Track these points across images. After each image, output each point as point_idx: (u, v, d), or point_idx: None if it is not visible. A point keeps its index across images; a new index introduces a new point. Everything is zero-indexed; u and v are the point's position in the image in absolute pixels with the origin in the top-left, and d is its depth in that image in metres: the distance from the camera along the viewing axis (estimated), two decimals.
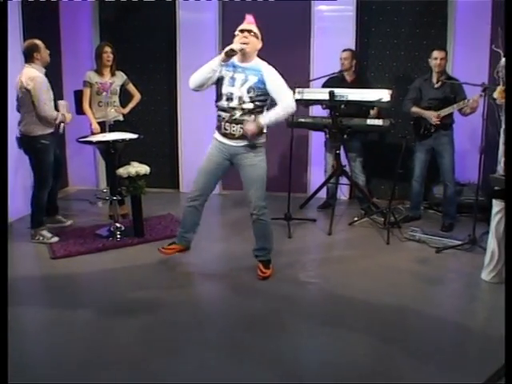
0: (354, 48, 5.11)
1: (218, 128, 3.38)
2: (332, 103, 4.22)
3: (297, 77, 5.37)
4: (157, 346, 2.66)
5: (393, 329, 2.87)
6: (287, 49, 5.49)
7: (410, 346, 2.67)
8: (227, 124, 3.30)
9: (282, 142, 5.31)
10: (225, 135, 3.33)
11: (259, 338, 2.73)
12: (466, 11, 5.04)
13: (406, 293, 3.32)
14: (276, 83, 3.26)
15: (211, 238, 4.28)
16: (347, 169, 4.86)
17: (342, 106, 4.24)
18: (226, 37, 5.55)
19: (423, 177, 4.69)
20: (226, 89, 3.26)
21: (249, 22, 3.27)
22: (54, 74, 5.65)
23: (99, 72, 4.65)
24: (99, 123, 4.59)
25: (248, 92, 3.22)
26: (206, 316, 3.07)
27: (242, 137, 3.27)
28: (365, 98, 4.16)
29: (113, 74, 4.70)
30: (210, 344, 2.70)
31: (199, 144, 5.68)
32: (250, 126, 3.20)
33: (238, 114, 3.25)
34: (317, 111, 5.04)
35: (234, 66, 3.26)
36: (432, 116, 4.34)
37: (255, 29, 3.27)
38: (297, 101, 4.20)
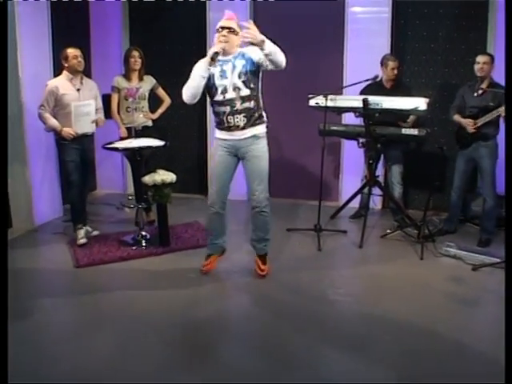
0: (388, 52, 4.92)
1: (219, 124, 3.35)
2: (366, 111, 4.05)
3: (329, 81, 5.29)
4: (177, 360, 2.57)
5: (423, 356, 2.69)
6: (319, 51, 5.34)
7: (442, 377, 2.50)
8: (229, 117, 3.27)
9: (313, 150, 5.18)
10: (229, 128, 3.30)
11: (284, 365, 2.61)
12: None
13: (439, 316, 3.13)
14: (257, 51, 3.15)
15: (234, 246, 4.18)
16: (382, 178, 4.69)
17: (377, 115, 4.06)
18: None
19: (462, 188, 4.46)
20: (218, 83, 3.25)
21: (228, 18, 3.24)
22: None
23: (127, 77, 4.61)
24: (127, 129, 4.57)
25: (239, 77, 3.21)
26: (227, 337, 2.96)
27: (249, 126, 3.26)
28: (400, 106, 3.97)
29: (141, 79, 4.65)
30: (230, 366, 2.59)
31: None
32: (253, 29, 3.00)
33: (238, 103, 3.23)
34: (349, 119, 4.87)
35: (221, 61, 3.24)
36: (468, 124, 4.12)
37: (234, 25, 3.22)
38: (329, 108, 4.10)
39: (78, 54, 4.11)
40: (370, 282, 3.63)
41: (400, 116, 4.37)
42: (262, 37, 3.01)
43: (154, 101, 4.85)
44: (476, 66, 4.15)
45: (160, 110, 4.81)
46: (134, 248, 4.11)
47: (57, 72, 4.46)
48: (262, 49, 3.03)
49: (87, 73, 5.70)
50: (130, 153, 3.99)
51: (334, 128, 4.36)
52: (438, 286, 3.55)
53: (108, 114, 4.72)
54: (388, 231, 4.56)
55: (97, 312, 3.17)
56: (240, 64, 3.23)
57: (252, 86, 3.25)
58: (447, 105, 4.68)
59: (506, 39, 2.56)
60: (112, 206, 5.38)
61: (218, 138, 3.42)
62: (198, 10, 5.49)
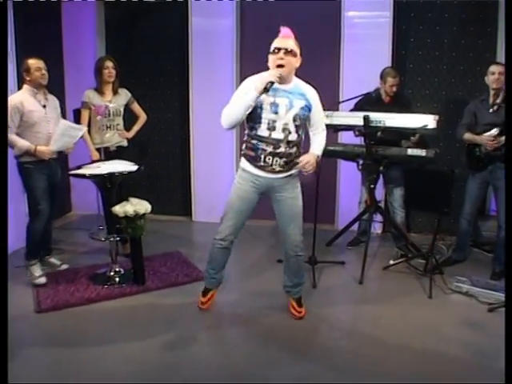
0: (389, 60, 4.48)
1: (254, 159, 2.91)
2: (367, 130, 3.58)
3: (324, 92, 4.77)
4: None
5: None
6: (312, 59, 4.82)
7: None
8: (269, 157, 2.87)
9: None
10: (262, 168, 2.91)
11: None
12: None
13: (453, 373, 2.66)
14: (320, 111, 3.00)
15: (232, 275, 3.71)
16: (382, 200, 4.24)
17: (379, 134, 3.61)
18: (245, 46, 4.98)
19: (473, 215, 4.01)
20: (266, 116, 2.81)
21: (285, 37, 2.78)
22: (55, 90, 5.19)
23: (99, 91, 4.11)
24: (99, 150, 4.08)
25: (294, 120, 2.83)
26: None
27: (285, 171, 2.92)
28: (406, 124, 3.51)
29: (115, 93, 4.16)
30: None
31: (214, 167, 5.16)
32: (310, 159, 2.87)
33: (283, 146, 2.85)
34: (347, 137, 4.39)
35: (274, 89, 2.77)
36: (488, 141, 3.66)
37: (293, 45, 2.78)
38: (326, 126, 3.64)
39: (41, 65, 3.60)
40: (372, 327, 3.15)
41: (403, 134, 3.92)
42: (317, 158, 2.96)
43: (129, 117, 4.37)
44: (491, 77, 3.70)
45: (136, 128, 4.34)
46: (105, 286, 3.62)
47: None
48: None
49: (60, 86, 5.24)
50: (99, 179, 3.50)
51: (331, 148, 3.87)
52: (450, 334, 3.08)
53: None
54: (391, 262, 4.10)
55: (56, 371, 2.68)
56: (299, 105, 2.83)
57: (301, 132, 2.91)
58: (453, 119, 4.24)
59: (506, 39, 2.43)
60: (86, 231, 4.89)
61: (246, 170, 2.97)
62: (179, 15, 5.01)
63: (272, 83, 2.68)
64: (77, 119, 4.32)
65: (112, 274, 3.72)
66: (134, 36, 5.23)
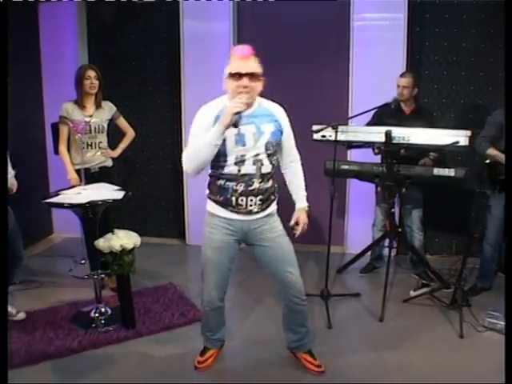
0: (403, 66, 4.05)
1: (224, 203, 2.43)
2: (388, 147, 3.13)
3: (331, 103, 4.38)
4: None
5: None
6: (318, 66, 4.42)
7: None
8: (241, 198, 2.39)
9: (312, 185, 4.27)
10: (236, 211, 2.42)
11: None
12: None
13: None
14: (291, 135, 2.53)
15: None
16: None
17: (402, 151, 3.17)
18: None
19: (499, 240, 3.59)
20: (232, 149, 2.32)
21: (245, 57, 2.25)
22: (32, 101, 4.71)
23: (80, 104, 3.63)
24: (80, 171, 3.59)
25: (266, 149, 2.37)
26: None
27: (262, 210, 2.44)
28: (433, 140, 3.06)
29: (98, 106, 3.68)
30: None
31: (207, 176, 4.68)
32: (304, 218, 2.57)
33: (256, 182, 2.37)
34: (357, 155, 3.94)
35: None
36: None
37: (256, 67, 2.27)
38: (339, 142, 3.20)
39: None
40: (402, 379, 2.70)
41: (424, 150, 3.49)
42: (307, 207, 2.61)
43: (115, 132, 3.89)
44: None
45: (122, 145, 3.86)
46: (88, 332, 3.12)
47: None
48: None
49: (37, 96, 4.75)
50: (79, 209, 3.01)
51: (345, 167, 3.41)
52: (488, 381, 2.65)
53: (56, 150, 3.77)
54: (412, 293, 3.66)
55: None
56: (268, 130, 2.36)
57: (274, 161, 2.45)
58: (473, 130, 3.83)
59: (506, 39, 2.33)
60: (69, 258, 4.39)
61: (214, 214, 2.48)
62: (169, 18, 4.54)
63: (238, 112, 2.21)
64: (55, 135, 3.84)
65: (97, 315, 3.23)
66: (120, 41, 4.74)
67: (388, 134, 3.09)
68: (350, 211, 4.49)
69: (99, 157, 3.68)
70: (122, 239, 2.96)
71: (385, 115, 3.62)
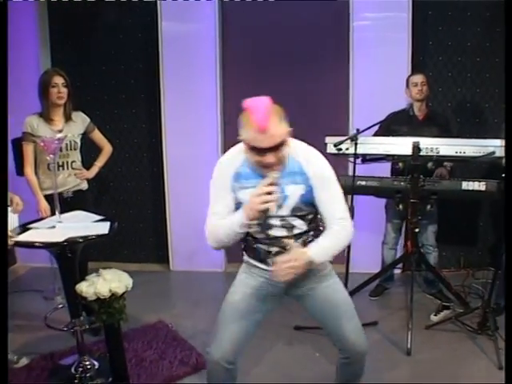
0: (408, 68, 3.73)
1: (258, 260, 2.00)
2: (416, 161, 2.76)
3: (331, 112, 4.01)
4: None
5: None
6: (313, 71, 4.03)
7: None
8: (278, 256, 1.86)
9: None
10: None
11: None
12: None
13: None
14: (328, 187, 1.89)
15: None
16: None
17: (429, 165, 2.81)
18: (228, 55, 4.07)
19: None
20: None
21: (262, 130, 1.68)
22: None
23: (46, 117, 3.07)
24: (50, 197, 2.97)
25: (293, 212, 1.88)
26: None
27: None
28: (468, 151, 2.72)
29: (68, 119, 3.13)
30: None
31: (195, 203, 4.18)
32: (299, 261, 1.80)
33: (291, 240, 1.90)
34: (369, 169, 3.57)
35: (257, 178, 1.83)
36: None
37: (278, 135, 1.72)
38: (356, 156, 2.81)
39: None
40: None
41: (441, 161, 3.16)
42: (308, 257, 1.81)
43: (87, 148, 3.36)
44: None
45: (99, 164, 3.31)
46: None
47: None
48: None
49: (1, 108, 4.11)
50: (55, 248, 2.48)
51: (363, 183, 3.01)
52: None
53: (21, 170, 3.19)
54: (433, 318, 3.33)
55: None
56: (296, 193, 1.86)
57: (310, 214, 1.93)
58: (480, 135, 3.55)
59: (506, 40, 2.27)
60: (38, 293, 3.81)
61: (252, 264, 2.04)
62: (146, 19, 4.03)
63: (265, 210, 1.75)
64: (17, 153, 3.27)
65: (80, 370, 2.69)
66: (87, 43, 4.18)
67: (416, 146, 2.71)
68: (354, 227, 4.10)
69: (73, 179, 3.13)
70: (111, 282, 2.44)
71: (396, 123, 3.27)
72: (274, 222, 1.89)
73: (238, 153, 1.90)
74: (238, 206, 1.90)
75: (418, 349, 3.00)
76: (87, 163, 3.30)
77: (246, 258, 2.07)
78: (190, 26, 3.94)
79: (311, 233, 1.96)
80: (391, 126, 3.26)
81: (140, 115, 4.26)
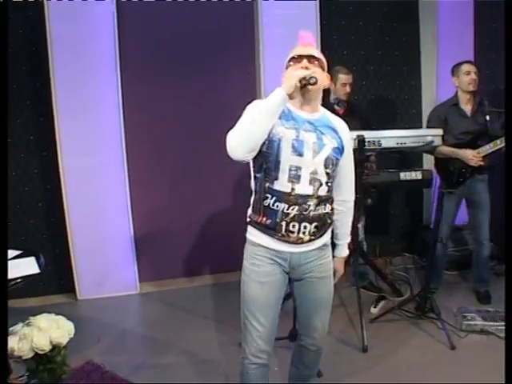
0: None
1: (271, 229, 1.90)
2: (361, 155, 2.70)
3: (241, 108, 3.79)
4: None
5: None
6: (219, 73, 3.82)
7: None
8: (293, 224, 1.87)
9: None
10: (284, 240, 1.90)
11: None
12: (447, 13, 3.97)
13: None
14: (351, 159, 2.05)
15: None
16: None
17: (372, 157, 2.80)
18: (128, 56, 3.64)
19: (449, 237, 3.50)
20: (287, 159, 1.84)
21: (306, 44, 1.93)
22: None
23: None
24: None
25: (326, 167, 1.89)
26: None
27: (316, 238, 1.93)
28: (407, 142, 2.74)
29: None
30: None
31: (101, 221, 3.72)
32: (341, 269, 2.16)
33: (312, 205, 1.88)
34: None
35: (294, 118, 1.87)
36: (470, 156, 3.13)
37: (319, 54, 1.92)
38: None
39: None
40: None
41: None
42: (345, 256, 2.17)
43: None
44: (465, 78, 3.20)
45: None
46: None
47: None
48: None
49: None
50: None
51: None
52: None
53: None
54: (373, 310, 3.36)
55: None
56: (331, 144, 1.90)
57: (331, 183, 1.96)
58: (387, 126, 3.73)
59: (506, 40, 2.31)
60: None
61: (260, 245, 1.94)
62: (32, 19, 3.44)
63: (307, 79, 1.78)
64: None
65: None
66: None
67: (361, 140, 2.66)
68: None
69: None
70: (49, 331, 1.96)
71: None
72: (305, 173, 1.84)
73: None
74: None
75: (372, 344, 2.98)
76: None
77: (251, 236, 1.97)
78: (85, 27, 3.44)
79: (328, 207, 1.94)
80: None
81: (25, 125, 3.60)
